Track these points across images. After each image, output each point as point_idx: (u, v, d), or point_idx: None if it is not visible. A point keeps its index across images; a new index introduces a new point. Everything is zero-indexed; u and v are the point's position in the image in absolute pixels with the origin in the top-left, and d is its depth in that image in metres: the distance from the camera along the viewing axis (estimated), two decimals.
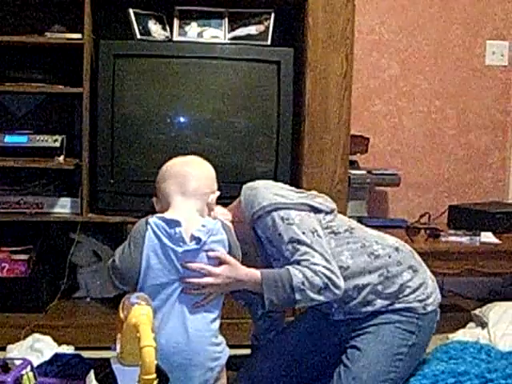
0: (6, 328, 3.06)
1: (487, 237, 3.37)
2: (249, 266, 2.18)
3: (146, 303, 2.15)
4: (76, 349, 2.92)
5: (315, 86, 3.22)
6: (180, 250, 2.03)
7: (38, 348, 2.78)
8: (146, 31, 3.23)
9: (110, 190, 3.18)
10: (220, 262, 2.09)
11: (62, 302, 3.34)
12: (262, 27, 3.29)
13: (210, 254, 2.05)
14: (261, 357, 2.50)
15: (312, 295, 2.14)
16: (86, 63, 3.12)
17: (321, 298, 2.16)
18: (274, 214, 2.22)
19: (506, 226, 3.54)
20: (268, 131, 3.24)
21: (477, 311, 3.19)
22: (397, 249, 2.38)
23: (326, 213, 2.34)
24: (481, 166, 4.13)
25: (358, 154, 3.69)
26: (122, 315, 2.14)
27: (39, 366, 2.58)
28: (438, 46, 4.03)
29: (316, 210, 2.31)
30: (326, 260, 2.17)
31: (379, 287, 2.30)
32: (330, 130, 3.25)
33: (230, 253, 2.10)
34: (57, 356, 2.67)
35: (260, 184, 2.34)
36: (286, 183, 3.21)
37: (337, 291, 2.17)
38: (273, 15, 3.29)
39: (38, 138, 3.21)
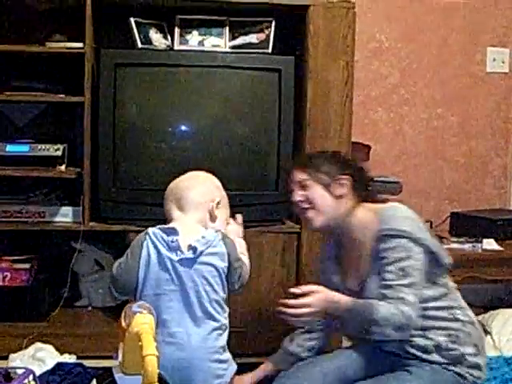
0: (8, 337, 3.05)
1: (489, 244, 3.36)
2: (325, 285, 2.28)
3: (148, 312, 2.15)
4: (78, 358, 2.91)
5: (316, 93, 3.23)
6: (176, 258, 2.02)
7: (40, 357, 2.78)
8: (147, 40, 3.24)
9: (111, 199, 3.18)
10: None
11: (64, 310, 3.33)
12: (262, 35, 3.30)
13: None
14: (301, 373, 2.46)
15: (388, 332, 2.18)
16: (87, 72, 3.12)
17: (396, 335, 2.20)
18: (403, 240, 2.24)
19: (508, 232, 3.53)
20: (269, 139, 3.24)
21: (480, 318, 3.19)
22: (473, 323, 2.39)
23: (440, 265, 2.35)
24: (482, 173, 4.13)
25: (360, 162, 3.69)
26: (123, 324, 2.13)
27: (41, 376, 2.58)
28: (438, 54, 4.04)
29: (435, 258, 2.32)
30: (416, 298, 2.20)
31: (443, 345, 2.30)
32: (331, 137, 3.26)
33: (229, 267, 2.08)
34: (59, 365, 2.67)
35: (404, 210, 2.34)
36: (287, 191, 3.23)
37: (411, 330, 2.21)
38: (273, 23, 3.29)
39: (39, 147, 3.21)
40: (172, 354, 2.01)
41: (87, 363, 2.77)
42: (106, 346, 3.03)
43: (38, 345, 2.88)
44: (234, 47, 3.31)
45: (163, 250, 2.02)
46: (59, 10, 3.33)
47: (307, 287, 2.21)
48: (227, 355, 2.09)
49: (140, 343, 1.96)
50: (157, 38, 3.29)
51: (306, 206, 2.40)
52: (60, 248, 3.50)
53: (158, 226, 2.08)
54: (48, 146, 3.21)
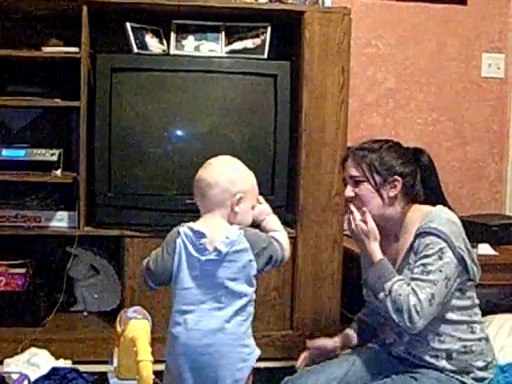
0: (3, 342, 3.05)
1: (485, 249, 3.36)
2: None
3: (143, 317, 2.15)
4: (73, 363, 2.91)
5: (312, 99, 3.23)
6: (203, 258, 2.10)
7: (35, 362, 2.77)
8: (143, 45, 3.24)
9: (107, 204, 3.18)
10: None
11: (60, 315, 3.32)
12: (258, 41, 3.30)
13: None
14: (306, 379, 2.44)
15: (389, 305, 2.19)
16: (83, 77, 3.12)
17: (393, 316, 2.19)
18: (439, 240, 2.23)
19: (503, 237, 3.54)
20: (265, 144, 3.24)
21: None
22: (488, 340, 2.38)
23: (470, 279, 2.34)
24: (477, 178, 4.14)
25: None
26: (119, 329, 2.14)
27: (36, 381, 2.58)
28: (434, 59, 4.05)
29: (466, 270, 2.30)
30: (429, 302, 2.18)
31: (454, 354, 2.30)
32: (327, 142, 3.26)
33: (256, 255, 2.14)
34: (54, 370, 2.67)
35: (450, 215, 2.32)
36: (283, 196, 3.22)
37: (408, 324, 2.18)
38: (269, 29, 3.30)
39: (35, 151, 3.21)
40: (199, 341, 2.08)
41: (82, 368, 2.77)
42: (101, 351, 3.03)
43: (33, 350, 2.87)
44: (229, 52, 3.31)
45: (192, 250, 2.11)
46: (55, 14, 3.33)
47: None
48: (250, 341, 2.16)
49: (135, 348, 1.96)
50: (153, 43, 3.30)
51: (356, 202, 2.39)
52: (55, 253, 3.51)
53: (188, 226, 2.14)
54: (44, 151, 3.21)
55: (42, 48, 3.22)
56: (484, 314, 2.68)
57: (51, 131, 3.55)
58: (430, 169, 2.48)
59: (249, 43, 3.31)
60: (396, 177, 2.35)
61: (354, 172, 2.38)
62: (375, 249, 2.31)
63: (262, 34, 3.31)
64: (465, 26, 4.06)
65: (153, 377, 1.88)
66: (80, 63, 3.11)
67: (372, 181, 2.35)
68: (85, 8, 3.10)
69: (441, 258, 2.21)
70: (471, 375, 2.30)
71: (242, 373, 2.12)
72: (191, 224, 2.16)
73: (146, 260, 2.22)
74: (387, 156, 2.39)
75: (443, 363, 2.29)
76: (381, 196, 2.35)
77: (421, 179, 2.43)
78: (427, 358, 2.30)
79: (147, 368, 1.89)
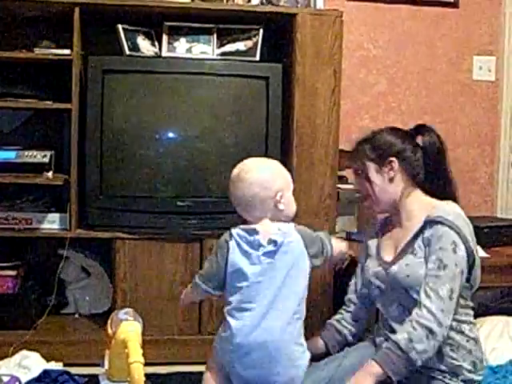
0: None
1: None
2: None
3: (134, 319, 2.15)
4: (65, 365, 2.90)
5: (304, 101, 3.24)
6: (260, 253, 2.17)
7: (27, 365, 2.76)
8: (134, 47, 3.24)
9: (98, 206, 3.18)
10: None
11: (51, 318, 3.31)
12: (250, 43, 3.31)
13: None
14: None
15: (419, 347, 2.15)
16: (75, 79, 3.12)
17: (429, 345, 2.16)
18: (452, 232, 2.24)
19: (494, 240, 3.55)
20: (257, 146, 3.24)
21: None
22: (476, 341, 2.37)
23: (472, 286, 2.37)
24: (469, 181, 4.15)
25: (347, 169, 3.69)
26: (110, 331, 2.13)
27: (28, 383, 2.57)
28: (425, 62, 4.06)
29: (469, 269, 2.32)
30: (450, 298, 2.19)
31: (443, 353, 2.28)
32: (319, 145, 3.26)
33: (307, 248, 2.21)
34: (45, 373, 2.66)
35: (460, 210, 2.34)
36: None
37: (439, 338, 2.17)
38: (261, 31, 3.30)
39: (26, 153, 3.20)
40: (256, 338, 2.14)
41: (74, 370, 2.76)
42: (92, 354, 3.02)
43: (24, 352, 2.86)
44: (221, 55, 3.31)
45: (247, 248, 2.17)
46: (47, 16, 3.32)
47: None
48: (303, 340, 2.22)
49: (126, 350, 1.96)
50: (145, 45, 3.30)
51: (364, 193, 2.43)
52: (47, 255, 3.50)
53: (240, 227, 2.21)
54: (35, 153, 3.20)
55: (34, 50, 3.21)
56: (475, 316, 2.69)
57: (42, 133, 3.54)
58: (435, 148, 2.47)
59: (241, 45, 3.31)
60: (390, 158, 2.38)
61: (353, 165, 2.47)
62: (364, 371, 2.19)
63: (254, 36, 3.31)
64: (456, 28, 4.07)
65: (144, 379, 1.88)
66: (72, 65, 3.11)
67: (371, 168, 2.40)
68: (77, 10, 3.10)
69: (455, 252, 2.23)
70: (460, 377, 2.29)
71: (297, 370, 2.18)
72: (242, 226, 2.24)
73: (199, 273, 2.29)
74: (378, 141, 2.44)
75: (435, 364, 2.28)
76: (384, 180, 2.39)
77: (424, 160, 2.43)
78: None
79: (138, 370, 1.89)
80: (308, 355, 2.23)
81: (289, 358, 2.16)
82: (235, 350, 2.15)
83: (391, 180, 2.38)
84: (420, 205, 2.37)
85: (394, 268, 2.32)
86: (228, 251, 2.18)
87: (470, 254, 2.27)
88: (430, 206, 2.34)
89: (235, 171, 2.29)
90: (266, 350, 2.13)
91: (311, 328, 3.26)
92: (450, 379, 2.28)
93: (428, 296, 2.19)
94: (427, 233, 2.28)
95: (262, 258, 2.16)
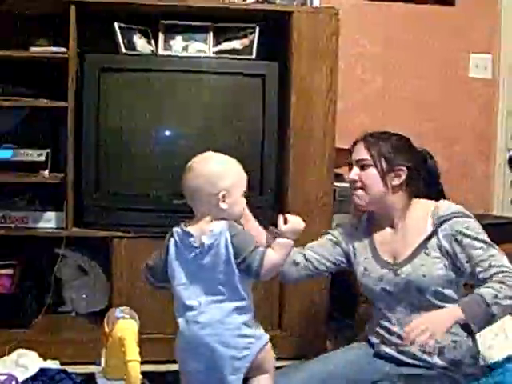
0: None
1: None
2: None
3: (131, 317, 2.15)
4: (61, 364, 2.90)
5: (300, 99, 3.23)
6: (192, 254, 2.15)
7: (23, 363, 2.76)
8: (131, 45, 3.24)
9: (95, 205, 3.18)
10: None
11: (48, 317, 3.32)
12: (246, 41, 3.31)
13: None
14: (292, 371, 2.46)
15: (504, 303, 2.16)
16: (71, 77, 3.12)
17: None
18: (471, 220, 2.34)
19: (490, 238, 3.54)
20: (253, 144, 3.24)
21: None
22: (474, 337, 2.37)
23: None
24: (465, 178, 4.15)
25: (344, 167, 3.69)
26: (107, 329, 2.14)
27: (24, 382, 2.57)
28: (421, 59, 4.06)
29: None
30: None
31: (445, 350, 2.30)
32: (315, 143, 3.26)
33: (239, 255, 2.14)
34: (42, 371, 2.66)
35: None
36: (271, 196, 3.22)
37: None
38: (257, 29, 3.30)
39: (22, 152, 3.20)
40: (198, 331, 2.12)
41: (70, 369, 2.76)
42: (89, 352, 3.01)
43: (21, 351, 2.86)
44: (217, 53, 3.31)
45: (182, 249, 2.17)
46: (43, 14, 3.32)
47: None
48: (251, 330, 2.19)
49: (123, 348, 1.96)
50: (141, 43, 3.29)
51: (359, 185, 2.42)
52: (43, 254, 3.48)
53: (181, 226, 2.20)
54: (31, 152, 3.20)
55: (30, 48, 3.21)
56: None
57: (39, 132, 3.52)
58: (435, 175, 2.55)
59: (237, 43, 3.31)
60: (402, 167, 2.39)
61: (362, 155, 2.43)
62: (451, 315, 2.20)
63: (250, 34, 3.31)
64: (452, 26, 4.07)
65: (140, 377, 1.88)
66: (68, 63, 3.11)
67: (379, 166, 2.39)
68: (73, 8, 3.09)
69: (479, 232, 2.32)
70: (462, 371, 2.31)
71: (243, 361, 2.15)
72: (183, 224, 2.21)
73: (146, 262, 2.27)
74: (397, 146, 2.45)
75: (435, 359, 2.29)
76: (385, 183, 2.39)
77: (424, 182, 2.47)
78: (419, 354, 2.31)
79: (135, 368, 1.89)
80: (260, 344, 2.20)
81: (230, 350, 2.13)
82: (183, 348, 2.16)
83: (394, 187, 2.40)
84: (422, 208, 2.40)
85: (408, 269, 2.33)
86: (168, 249, 2.20)
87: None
88: (427, 206, 2.38)
89: (192, 162, 2.26)
90: (207, 346, 2.12)
91: (310, 327, 3.31)
92: (451, 372, 2.30)
93: (502, 265, 2.24)
94: (445, 231, 2.31)
95: (195, 260, 2.16)
